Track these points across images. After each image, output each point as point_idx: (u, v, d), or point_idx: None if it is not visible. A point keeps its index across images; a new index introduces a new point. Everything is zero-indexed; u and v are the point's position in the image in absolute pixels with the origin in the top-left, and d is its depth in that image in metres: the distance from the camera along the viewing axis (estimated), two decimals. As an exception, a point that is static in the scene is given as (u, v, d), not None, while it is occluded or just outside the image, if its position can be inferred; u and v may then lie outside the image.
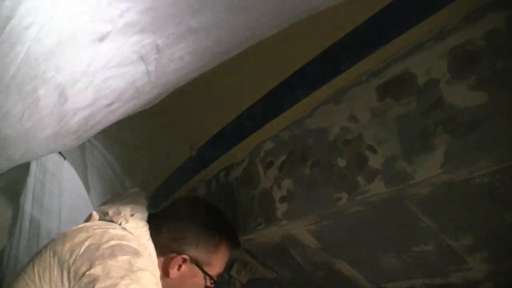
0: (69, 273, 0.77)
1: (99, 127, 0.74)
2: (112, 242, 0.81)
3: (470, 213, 0.96)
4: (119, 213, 0.91)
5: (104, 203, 0.98)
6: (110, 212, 0.92)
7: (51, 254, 0.83)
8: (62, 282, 0.77)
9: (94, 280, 0.73)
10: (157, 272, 0.86)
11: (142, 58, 0.57)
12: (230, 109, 1.43)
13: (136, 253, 0.81)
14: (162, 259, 0.93)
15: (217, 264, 1.01)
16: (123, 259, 0.78)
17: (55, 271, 0.79)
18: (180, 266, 0.95)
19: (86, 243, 0.81)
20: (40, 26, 0.48)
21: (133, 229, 0.88)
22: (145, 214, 0.96)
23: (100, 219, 0.92)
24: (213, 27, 0.56)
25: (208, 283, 1.00)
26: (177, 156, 1.87)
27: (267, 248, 1.53)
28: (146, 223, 0.93)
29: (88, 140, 2.92)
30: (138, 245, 0.85)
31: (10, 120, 0.60)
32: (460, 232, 1.01)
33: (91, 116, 0.66)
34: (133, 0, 0.49)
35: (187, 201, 1.10)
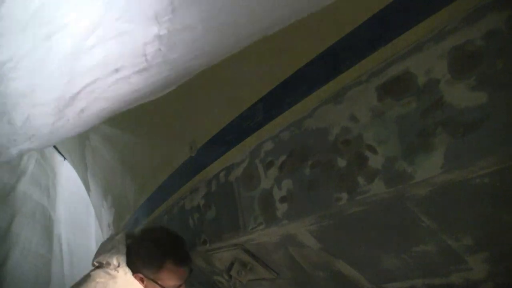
0: None
1: (104, 103, 0.70)
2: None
3: (470, 213, 0.96)
4: (109, 264, 1.22)
5: (97, 252, 1.28)
6: (104, 263, 1.22)
7: None
8: None
9: None
10: None
11: (156, 17, 0.55)
12: (230, 109, 1.43)
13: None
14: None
15: (168, 278, 1.25)
16: None
17: None
18: (142, 281, 1.25)
19: None
20: None
21: (125, 276, 1.21)
22: (125, 259, 1.25)
23: (97, 267, 1.24)
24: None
25: None
26: (177, 156, 1.87)
27: (267, 248, 1.53)
28: (127, 267, 1.24)
29: (88, 140, 2.92)
30: (128, 284, 1.19)
31: (19, 70, 0.57)
32: (460, 232, 1.01)
33: (97, 80, 0.63)
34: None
35: (142, 232, 1.37)
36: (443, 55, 0.87)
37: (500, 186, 0.86)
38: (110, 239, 1.32)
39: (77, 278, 1.36)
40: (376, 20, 0.97)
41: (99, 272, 1.20)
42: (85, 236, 5.63)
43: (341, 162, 1.06)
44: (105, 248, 1.28)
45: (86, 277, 1.20)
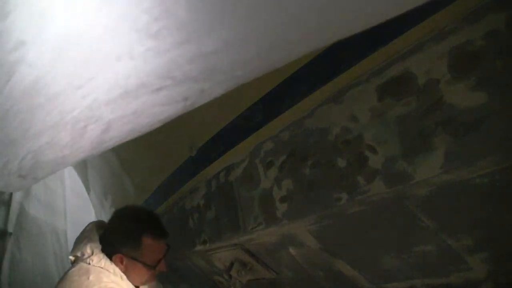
0: None
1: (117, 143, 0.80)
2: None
3: (470, 213, 0.96)
4: (84, 254, 1.21)
5: (73, 248, 1.28)
6: (79, 255, 1.22)
7: None
8: None
9: None
10: (123, 282, 1.19)
11: (186, 99, 0.65)
12: (230, 109, 1.43)
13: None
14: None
15: (147, 253, 1.23)
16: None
17: None
18: (122, 262, 1.22)
19: None
20: (115, 84, 0.56)
21: (99, 263, 1.19)
22: (100, 245, 1.24)
23: (75, 261, 1.23)
24: (250, 74, 0.64)
25: (151, 268, 1.24)
26: (177, 156, 1.87)
27: (267, 248, 1.53)
28: (103, 253, 1.22)
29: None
30: (102, 272, 1.18)
31: (54, 148, 0.67)
32: (460, 232, 1.01)
33: (120, 141, 0.73)
34: (198, 62, 0.54)
35: (115, 213, 1.34)
36: (443, 55, 0.87)
37: (500, 186, 0.86)
38: (81, 232, 1.32)
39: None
40: (376, 20, 0.97)
41: (73, 270, 1.18)
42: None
43: (341, 162, 1.06)
44: (78, 241, 1.28)
45: (63, 277, 1.20)
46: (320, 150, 1.13)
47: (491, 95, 0.79)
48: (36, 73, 0.52)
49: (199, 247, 1.81)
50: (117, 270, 1.20)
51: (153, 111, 0.65)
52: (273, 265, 1.63)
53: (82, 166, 4.09)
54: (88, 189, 4.52)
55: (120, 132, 0.70)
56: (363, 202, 1.04)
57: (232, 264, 1.74)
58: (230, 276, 1.76)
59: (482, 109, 0.80)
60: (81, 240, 1.27)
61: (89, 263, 1.18)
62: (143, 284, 1.28)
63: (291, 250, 1.45)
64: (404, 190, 0.95)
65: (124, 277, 1.21)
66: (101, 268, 1.18)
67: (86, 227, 1.34)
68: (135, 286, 1.25)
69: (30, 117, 0.62)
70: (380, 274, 1.29)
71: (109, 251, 1.21)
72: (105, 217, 4.04)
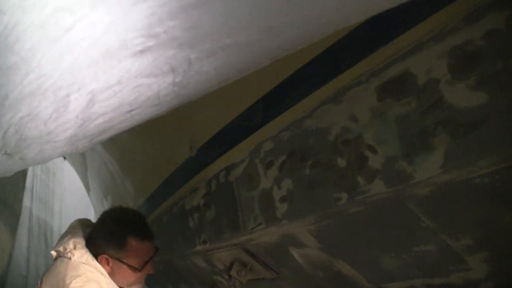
0: None
1: (114, 132, 0.76)
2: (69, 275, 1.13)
3: (470, 213, 0.96)
4: (66, 249, 1.20)
5: (56, 243, 1.27)
6: (61, 250, 1.21)
7: None
8: None
9: None
10: (104, 279, 1.19)
11: (173, 70, 0.60)
12: (230, 109, 1.43)
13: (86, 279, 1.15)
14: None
15: (132, 255, 1.22)
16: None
17: None
18: (108, 263, 1.21)
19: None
20: (93, 39, 0.51)
21: (80, 258, 1.19)
22: (83, 241, 1.23)
23: (58, 256, 1.24)
24: (245, 45, 0.58)
25: (136, 271, 1.24)
26: (177, 156, 1.87)
27: (267, 248, 1.53)
28: (86, 248, 1.21)
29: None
30: (90, 268, 1.17)
31: (36, 121, 0.63)
32: (460, 232, 1.01)
33: (110, 120, 0.69)
34: (180, 18, 0.50)
35: (102, 214, 1.34)
36: (443, 55, 0.87)
37: (500, 186, 0.86)
38: (67, 229, 1.31)
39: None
40: (376, 20, 0.97)
41: (54, 264, 1.19)
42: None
43: (341, 162, 1.06)
44: (61, 237, 1.27)
45: (44, 273, 1.20)
46: (320, 150, 1.13)
47: (491, 95, 0.79)
48: (5, 21, 0.46)
49: (199, 247, 1.81)
50: (99, 267, 1.19)
51: (138, 83, 0.60)
52: (273, 265, 1.63)
53: (82, 167, 4.09)
54: (88, 189, 4.52)
55: (106, 108, 0.64)
56: (363, 202, 1.04)
57: (232, 264, 1.74)
58: (230, 276, 1.76)
59: (482, 109, 0.80)
60: (64, 235, 1.26)
61: (70, 258, 1.18)
62: (130, 286, 1.27)
63: (291, 250, 1.45)
64: (404, 190, 0.95)
65: (106, 274, 1.19)
66: (83, 263, 1.17)
67: (72, 224, 1.33)
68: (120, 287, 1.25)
69: (6, 81, 0.56)
70: (380, 274, 1.29)
71: (95, 251, 1.21)
72: (105, 217, 4.02)
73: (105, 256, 1.20)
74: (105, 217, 1.31)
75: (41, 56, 0.53)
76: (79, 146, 0.81)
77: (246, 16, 0.51)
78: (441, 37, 0.87)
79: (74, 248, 1.19)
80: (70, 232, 1.27)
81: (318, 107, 1.14)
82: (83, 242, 1.22)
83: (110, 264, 1.20)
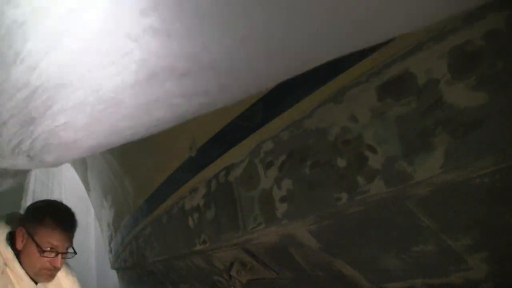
0: None
1: (130, 140, 0.78)
2: None
3: (470, 213, 0.96)
4: None
5: None
6: None
7: None
8: None
9: None
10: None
11: (206, 93, 0.64)
12: (230, 109, 1.43)
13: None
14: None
15: (44, 234, 1.20)
16: None
17: None
18: (22, 237, 1.20)
19: None
20: (145, 63, 0.54)
21: None
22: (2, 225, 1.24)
23: None
24: (264, 75, 0.66)
25: (42, 254, 1.20)
26: (177, 156, 1.87)
27: (267, 248, 1.53)
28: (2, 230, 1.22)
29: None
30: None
31: (68, 129, 0.65)
32: (460, 232, 1.01)
33: (135, 134, 0.75)
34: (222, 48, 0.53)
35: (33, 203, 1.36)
36: (443, 55, 0.86)
37: (500, 186, 0.86)
38: None
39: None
40: (376, 20, 0.97)
41: None
42: (84, 235, 5.64)
43: (341, 162, 1.06)
44: None
45: None
46: (320, 150, 1.13)
47: (491, 95, 0.79)
48: (75, 46, 0.49)
49: (199, 247, 1.81)
50: (6, 250, 1.20)
51: (173, 102, 0.63)
52: (273, 265, 1.63)
53: (82, 167, 4.09)
54: (88, 189, 4.51)
55: (136, 122, 0.67)
56: (363, 202, 1.04)
57: (232, 264, 1.74)
58: (230, 276, 1.76)
59: (482, 109, 0.80)
60: None
61: None
62: (36, 276, 1.24)
63: (291, 250, 1.45)
64: (404, 190, 0.95)
65: (9, 249, 1.19)
66: None
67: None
68: (29, 275, 1.22)
69: (56, 95, 0.59)
70: (380, 274, 1.29)
71: (15, 225, 1.23)
72: (105, 217, 4.02)
73: (22, 228, 1.22)
74: (34, 204, 1.36)
75: (95, 75, 0.56)
76: (96, 152, 0.83)
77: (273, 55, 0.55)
78: (441, 37, 0.87)
79: None
80: None
81: (318, 107, 1.14)
82: (3, 225, 1.24)
83: (23, 240, 1.21)
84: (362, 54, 1.01)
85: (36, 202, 1.35)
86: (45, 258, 1.20)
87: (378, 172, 0.97)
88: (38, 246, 1.19)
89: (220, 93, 0.63)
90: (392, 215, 1.06)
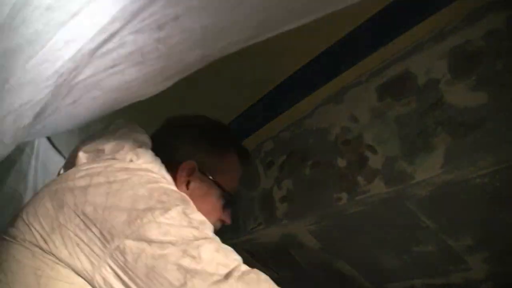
0: (99, 238, 0.59)
1: (96, 93, 0.69)
2: (149, 187, 0.64)
3: (470, 213, 0.96)
4: (122, 147, 0.72)
5: (86, 141, 0.77)
6: (107, 148, 0.73)
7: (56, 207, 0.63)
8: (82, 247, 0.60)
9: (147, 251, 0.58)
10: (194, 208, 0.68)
11: (159, 26, 0.56)
12: (230, 109, 1.43)
13: (183, 199, 0.66)
14: None
15: (229, 173, 0.84)
16: (176, 211, 0.62)
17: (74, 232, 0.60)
18: (188, 182, 0.79)
19: (109, 190, 0.62)
20: (100, 27, 0.50)
21: (150, 165, 0.71)
22: (150, 143, 0.78)
23: (88, 162, 0.71)
24: (234, 6, 0.55)
25: (225, 204, 0.85)
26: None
27: (267, 248, 1.53)
28: (156, 156, 0.75)
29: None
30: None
31: (34, 108, 0.59)
32: (460, 232, 1.01)
33: (92, 75, 0.64)
34: None
35: (181, 116, 0.91)
36: (443, 55, 0.87)
37: (500, 186, 0.86)
38: (101, 130, 0.81)
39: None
40: (376, 20, 0.97)
41: (93, 167, 0.67)
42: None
43: (341, 162, 1.06)
44: (90, 139, 0.77)
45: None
46: (320, 150, 1.13)
47: (491, 95, 0.79)
48: (12, 2, 0.45)
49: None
50: (169, 178, 0.74)
51: (124, 33, 0.56)
52: (273, 265, 1.63)
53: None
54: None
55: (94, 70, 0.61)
56: (363, 202, 1.04)
57: (232, 264, 1.74)
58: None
59: (482, 109, 0.80)
60: (106, 133, 0.78)
61: (131, 161, 0.70)
62: None
63: (291, 250, 1.45)
64: (404, 190, 0.95)
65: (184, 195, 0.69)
66: (146, 171, 0.69)
67: (113, 125, 0.81)
68: None
69: (7, 64, 0.52)
70: (380, 274, 1.29)
71: (171, 158, 0.76)
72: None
73: (193, 163, 0.79)
74: (191, 118, 0.90)
75: (46, 40, 0.50)
76: (62, 110, 0.75)
77: None
78: (441, 37, 0.87)
79: (140, 147, 0.73)
80: (123, 126, 0.80)
81: (318, 107, 1.14)
82: (150, 145, 0.77)
83: (192, 183, 0.79)
84: (362, 54, 1.01)
85: (198, 123, 0.88)
86: (225, 212, 0.85)
87: (378, 172, 0.97)
88: (223, 190, 0.83)
89: (175, 25, 0.55)
90: (392, 215, 1.06)
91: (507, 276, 1.06)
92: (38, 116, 0.63)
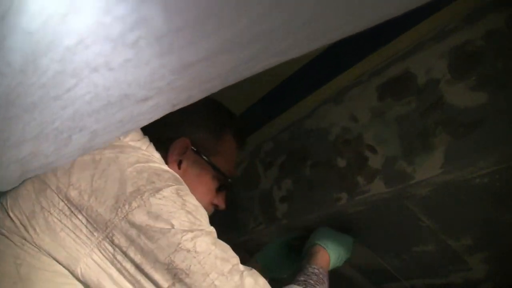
0: (89, 222, 0.57)
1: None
2: (137, 166, 0.61)
3: (470, 213, 0.96)
4: None
5: None
6: None
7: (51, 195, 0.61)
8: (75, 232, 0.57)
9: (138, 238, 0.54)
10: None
11: (173, 106, 0.59)
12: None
13: (176, 179, 0.63)
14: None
15: (224, 155, 0.80)
16: (169, 191, 0.58)
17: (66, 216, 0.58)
18: (180, 161, 0.75)
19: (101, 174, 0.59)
20: (94, 94, 0.51)
21: (138, 143, 0.69)
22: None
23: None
24: (241, 77, 0.60)
25: (220, 187, 0.80)
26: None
27: (267, 248, 1.53)
28: (141, 133, 0.72)
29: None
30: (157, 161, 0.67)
31: (38, 157, 0.62)
32: (460, 232, 1.01)
33: (106, 143, 0.68)
34: (181, 73, 0.50)
35: None
36: (443, 55, 0.87)
37: (500, 186, 0.86)
38: None
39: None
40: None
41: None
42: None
43: (341, 162, 1.06)
44: None
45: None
46: (320, 150, 1.13)
47: (491, 95, 0.79)
48: (6, 82, 0.47)
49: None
50: (158, 156, 0.71)
51: (139, 118, 0.60)
52: (273, 265, 1.63)
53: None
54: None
55: (108, 138, 0.64)
56: (363, 202, 1.04)
57: (232, 264, 1.74)
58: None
59: (482, 109, 0.80)
60: None
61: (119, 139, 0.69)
62: None
63: (291, 250, 1.45)
64: (404, 190, 0.95)
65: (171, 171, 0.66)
66: (133, 147, 0.68)
67: None
68: None
69: (7, 128, 0.56)
70: (380, 274, 1.29)
71: (165, 136, 0.74)
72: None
73: (186, 140, 0.75)
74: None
75: (42, 108, 0.53)
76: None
77: (248, 57, 0.52)
78: (441, 37, 0.87)
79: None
80: None
81: (318, 107, 1.14)
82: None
83: (184, 162, 0.74)
84: (362, 54, 1.01)
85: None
86: (219, 196, 0.81)
87: (378, 172, 0.97)
88: (219, 171, 0.79)
89: (188, 101, 0.61)
90: (392, 215, 1.06)
91: (507, 276, 1.06)
92: (44, 159, 0.65)
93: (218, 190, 0.83)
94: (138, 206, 0.56)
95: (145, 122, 0.62)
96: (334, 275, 1.42)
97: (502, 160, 0.80)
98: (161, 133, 0.73)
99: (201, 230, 0.59)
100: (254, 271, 0.64)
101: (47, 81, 0.47)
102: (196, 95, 0.59)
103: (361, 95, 1.02)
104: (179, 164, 0.75)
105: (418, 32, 0.90)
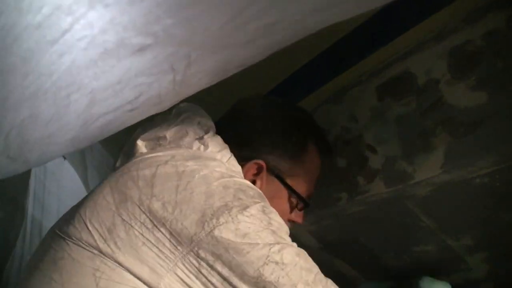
0: (173, 236, 0.55)
1: (115, 131, 0.71)
2: (223, 181, 0.59)
3: (470, 213, 0.96)
4: (186, 133, 0.67)
5: (146, 128, 0.72)
6: (169, 135, 0.67)
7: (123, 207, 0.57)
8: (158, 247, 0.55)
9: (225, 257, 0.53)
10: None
11: (173, 68, 0.56)
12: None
13: (260, 195, 0.61)
14: None
15: (303, 176, 0.76)
16: (255, 209, 0.57)
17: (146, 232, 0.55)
18: (254, 182, 0.71)
19: (185, 186, 0.56)
20: (91, 38, 0.49)
21: (219, 154, 0.65)
22: (214, 129, 0.72)
23: (149, 151, 0.67)
24: (244, 44, 0.55)
25: (296, 208, 0.77)
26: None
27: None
28: (225, 144, 0.69)
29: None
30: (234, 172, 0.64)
31: (38, 123, 0.60)
32: (460, 232, 1.01)
33: (111, 121, 0.65)
34: (178, 15, 0.48)
35: (255, 99, 0.83)
36: (443, 55, 0.87)
37: (500, 186, 0.86)
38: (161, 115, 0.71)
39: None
40: (376, 20, 0.97)
41: (154, 156, 0.64)
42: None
43: (341, 162, 1.06)
44: (149, 126, 0.72)
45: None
46: (320, 150, 1.13)
47: (491, 95, 0.79)
48: (2, 21, 0.45)
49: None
50: (239, 170, 0.68)
51: (138, 81, 0.57)
52: (273, 265, 1.63)
53: (82, 166, 4.09)
54: (88, 189, 4.51)
55: (107, 108, 0.61)
56: (363, 202, 1.04)
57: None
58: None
59: (482, 109, 0.80)
60: (166, 119, 0.72)
61: (200, 149, 0.66)
62: None
63: (291, 250, 1.45)
64: (404, 190, 0.95)
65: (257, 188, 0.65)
66: (215, 160, 0.65)
67: (175, 109, 0.74)
68: None
69: (5, 83, 0.54)
70: (380, 274, 1.29)
71: (241, 155, 0.71)
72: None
73: (260, 162, 0.72)
74: (264, 104, 0.82)
75: (39, 57, 0.51)
76: (81, 146, 0.77)
77: (245, 15, 0.49)
78: (441, 37, 0.87)
79: (207, 134, 0.68)
80: (186, 110, 0.74)
81: (318, 107, 1.14)
82: (214, 128, 0.72)
83: (258, 182, 0.72)
84: (362, 54, 1.01)
85: (269, 114, 0.78)
86: (296, 213, 0.77)
87: (378, 172, 0.97)
88: (297, 195, 0.76)
89: (189, 68, 0.55)
90: (392, 215, 1.06)
91: (507, 276, 1.06)
92: (43, 128, 0.63)
93: (295, 209, 0.80)
94: (226, 222, 0.55)
95: (145, 88, 0.58)
96: (334, 275, 1.43)
97: (502, 160, 0.80)
98: (238, 151, 0.71)
99: (285, 243, 0.59)
100: (331, 281, 0.67)
101: (43, 20, 0.45)
102: (197, 57, 0.54)
103: (361, 95, 1.02)
104: (253, 183, 0.71)
105: (418, 32, 0.90)
